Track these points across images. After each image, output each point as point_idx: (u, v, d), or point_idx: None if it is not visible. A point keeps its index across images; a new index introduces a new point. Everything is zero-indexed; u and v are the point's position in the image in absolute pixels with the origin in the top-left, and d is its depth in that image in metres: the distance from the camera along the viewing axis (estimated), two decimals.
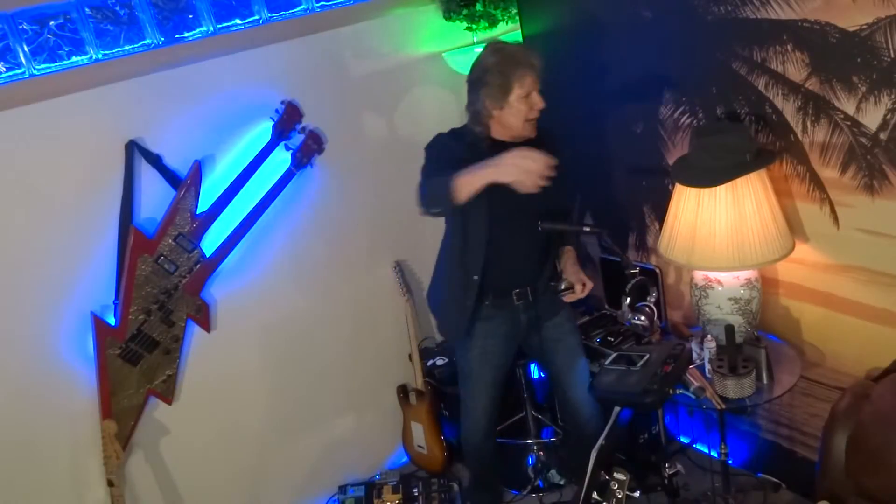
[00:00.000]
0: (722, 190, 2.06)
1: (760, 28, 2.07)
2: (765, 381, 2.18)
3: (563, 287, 2.17)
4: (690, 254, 2.14)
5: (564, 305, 2.32)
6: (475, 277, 2.17)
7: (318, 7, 2.64)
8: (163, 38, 2.33)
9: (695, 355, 2.27)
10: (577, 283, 2.16)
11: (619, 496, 1.52)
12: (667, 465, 2.53)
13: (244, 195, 2.50)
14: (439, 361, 3.00)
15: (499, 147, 2.03)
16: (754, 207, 2.06)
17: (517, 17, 2.93)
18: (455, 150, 2.10)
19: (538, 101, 2.06)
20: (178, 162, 2.38)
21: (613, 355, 1.87)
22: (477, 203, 1.99)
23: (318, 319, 2.85)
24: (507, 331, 2.31)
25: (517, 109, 2.06)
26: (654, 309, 2.19)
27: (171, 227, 2.37)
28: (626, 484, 1.53)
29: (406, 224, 2.90)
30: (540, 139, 2.12)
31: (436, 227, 2.32)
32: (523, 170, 1.84)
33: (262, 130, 2.53)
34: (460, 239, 2.19)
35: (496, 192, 1.95)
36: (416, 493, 2.82)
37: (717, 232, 2.08)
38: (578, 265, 2.24)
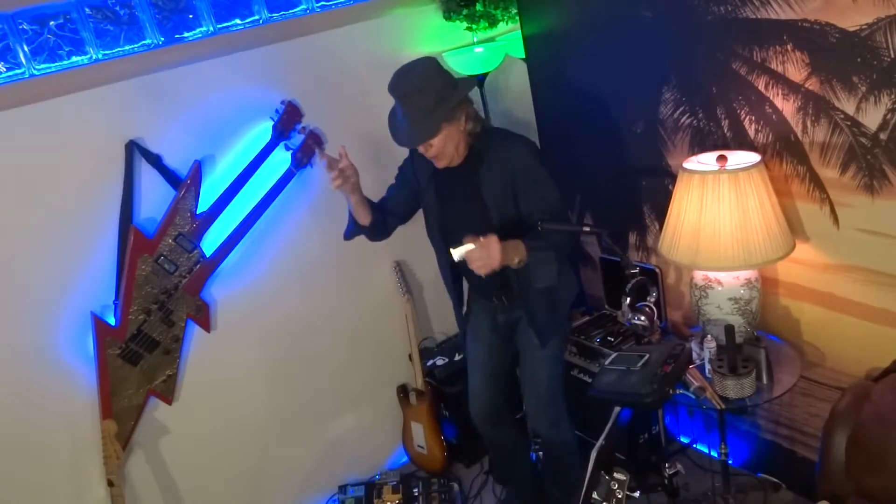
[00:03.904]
0: (725, 188, 2.05)
1: (760, 28, 2.07)
2: (765, 381, 2.18)
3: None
4: (695, 254, 2.13)
5: (540, 311, 2.26)
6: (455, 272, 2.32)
7: (318, 7, 2.64)
8: (163, 38, 2.33)
9: (695, 355, 2.27)
10: (473, 239, 1.93)
11: (619, 496, 1.51)
12: (667, 465, 2.52)
13: (244, 195, 2.50)
14: (439, 361, 3.00)
15: (437, 172, 2.16)
16: (757, 205, 2.05)
17: (517, 17, 2.93)
18: (405, 171, 2.31)
19: (428, 149, 2.06)
20: (178, 162, 2.39)
21: (613, 355, 1.87)
22: (426, 212, 2.25)
23: (318, 319, 2.85)
24: (490, 324, 2.42)
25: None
26: (654, 309, 2.18)
27: (171, 227, 2.37)
28: (626, 484, 1.52)
29: (406, 224, 2.89)
30: (469, 162, 2.13)
31: None
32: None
33: (262, 130, 2.53)
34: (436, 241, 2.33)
35: (443, 204, 2.18)
36: (416, 493, 2.82)
37: (722, 231, 2.07)
38: (502, 241, 1.98)
